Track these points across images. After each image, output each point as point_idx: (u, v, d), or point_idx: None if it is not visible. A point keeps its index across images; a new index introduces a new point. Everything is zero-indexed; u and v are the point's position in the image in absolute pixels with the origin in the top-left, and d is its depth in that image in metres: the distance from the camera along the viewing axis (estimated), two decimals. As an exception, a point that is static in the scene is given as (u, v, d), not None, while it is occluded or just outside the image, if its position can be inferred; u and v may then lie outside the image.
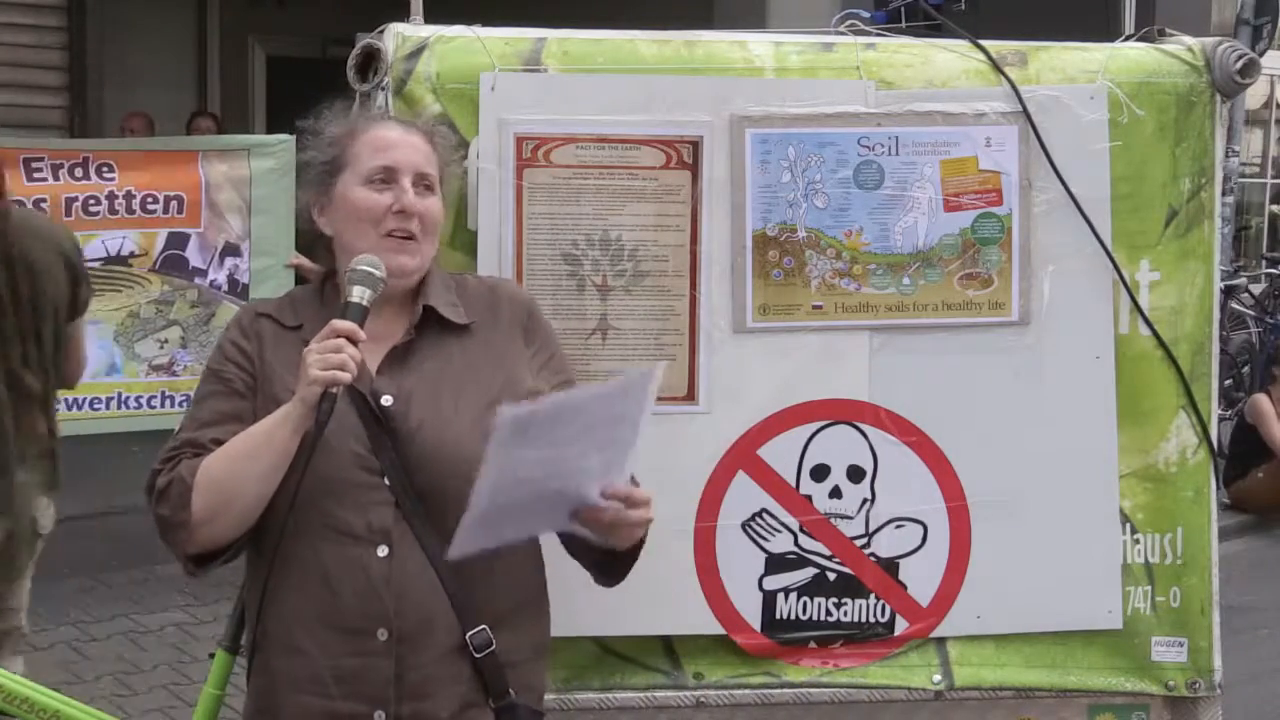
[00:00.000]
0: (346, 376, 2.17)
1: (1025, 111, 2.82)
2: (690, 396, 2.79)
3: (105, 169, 6.09)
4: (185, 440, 2.30)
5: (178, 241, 6.25)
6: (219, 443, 2.26)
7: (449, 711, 2.28)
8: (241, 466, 2.22)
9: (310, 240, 2.50)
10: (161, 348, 6.24)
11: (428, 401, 2.31)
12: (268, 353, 2.35)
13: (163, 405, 6.26)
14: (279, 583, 2.27)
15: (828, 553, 2.85)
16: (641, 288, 2.77)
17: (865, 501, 2.86)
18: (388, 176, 2.35)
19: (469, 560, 2.20)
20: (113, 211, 6.09)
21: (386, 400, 2.29)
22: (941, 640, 2.90)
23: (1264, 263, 13.97)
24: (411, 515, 2.26)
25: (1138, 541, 2.92)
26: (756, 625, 2.84)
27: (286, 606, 2.28)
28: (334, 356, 2.17)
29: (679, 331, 2.78)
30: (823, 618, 2.86)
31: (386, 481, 2.26)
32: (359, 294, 2.25)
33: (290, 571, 2.27)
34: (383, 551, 2.25)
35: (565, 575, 2.51)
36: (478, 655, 2.29)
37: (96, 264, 6.09)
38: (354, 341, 2.19)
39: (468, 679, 2.29)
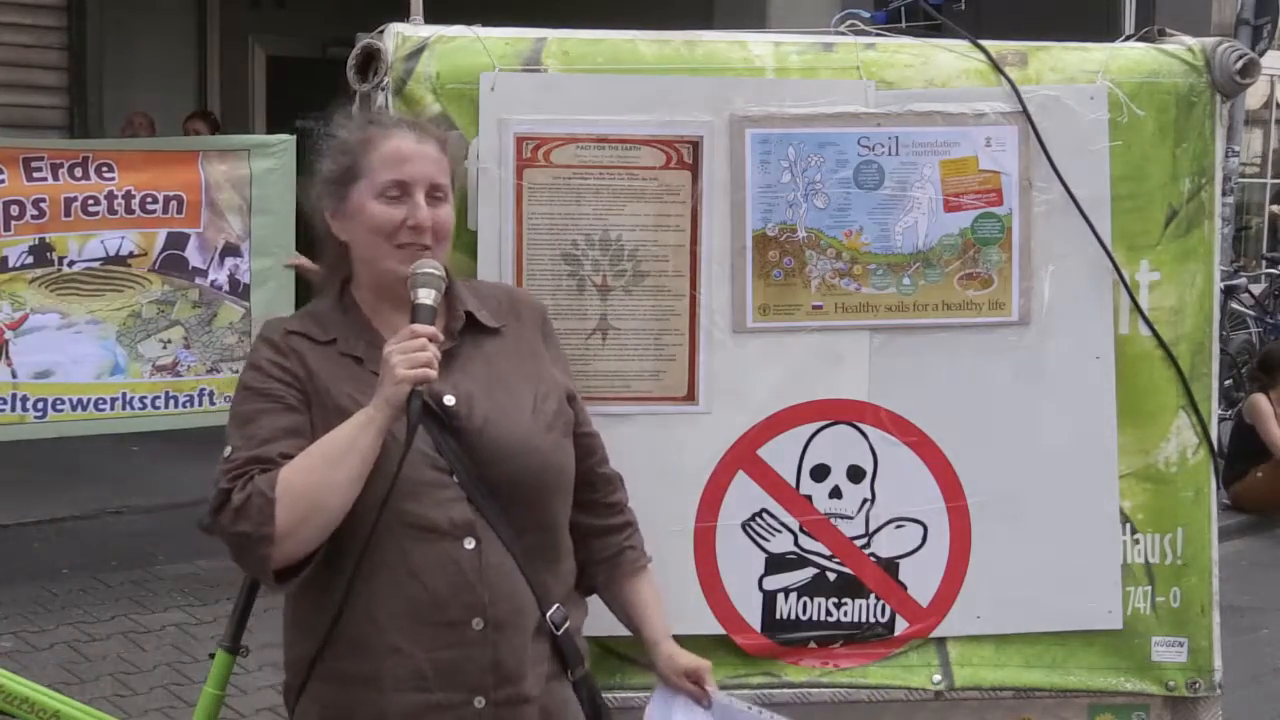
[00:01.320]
0: (434, 374, 2.23)
1: (1025, 111, 2.82)
2: (690, 397, 2.79)
3: (105, 169, 6.09)
4: (250, 457, 2.26)
5: (177, 241, 6.24)
6: (287, 457, 2.25)
7: (537, 690, 2.36)
8: (325, 474, 2.22)
9: (321, 243, 2.51)
10: (164, 348, 6.24)
11: (486, 399, 2.37)
12: (313, 367, 2.36)
13: (166, 406, 6.26)
14: (361, 587, 2.28)
15: (828, 553, 2.86)
16: (641, 288, 2.77)
17: (865, 501, 2.86)
18: (401, 191, 2.37)
19: (541, 546, 2.38)
20: (112, 211, 6.09)
21: (449, 400, 2.33)
22: (941, 640, 2.90)
23: (1264, 263, 13.96)
24: (485, 508, 2.32)
25: (1138, 542, 2.92)
26: (756, 625, 2.85)
27: (374, 609, 2.29)
28: (419, 355, 2.22)
29: (679, 331, 2.78)
30: (823, 618, 2.86)
31: (455, 478, 2.31)
32: (426, 295, 2.30)
33: (375, 573, 2.28)
34: (470, 544, 2.30)
35: (565, 575, 2.53)
36: (557, 631, 2.39)
37: (96, 264, 6.10)
38: (433, 341, 2.25)
39: (548, 656, 2.40)
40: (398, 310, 2.37)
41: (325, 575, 2.29)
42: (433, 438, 2.31)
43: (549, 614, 2.39)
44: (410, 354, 2.22)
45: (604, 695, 2.58)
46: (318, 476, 2.23)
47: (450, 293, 2.43)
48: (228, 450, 2.30)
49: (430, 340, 2.25)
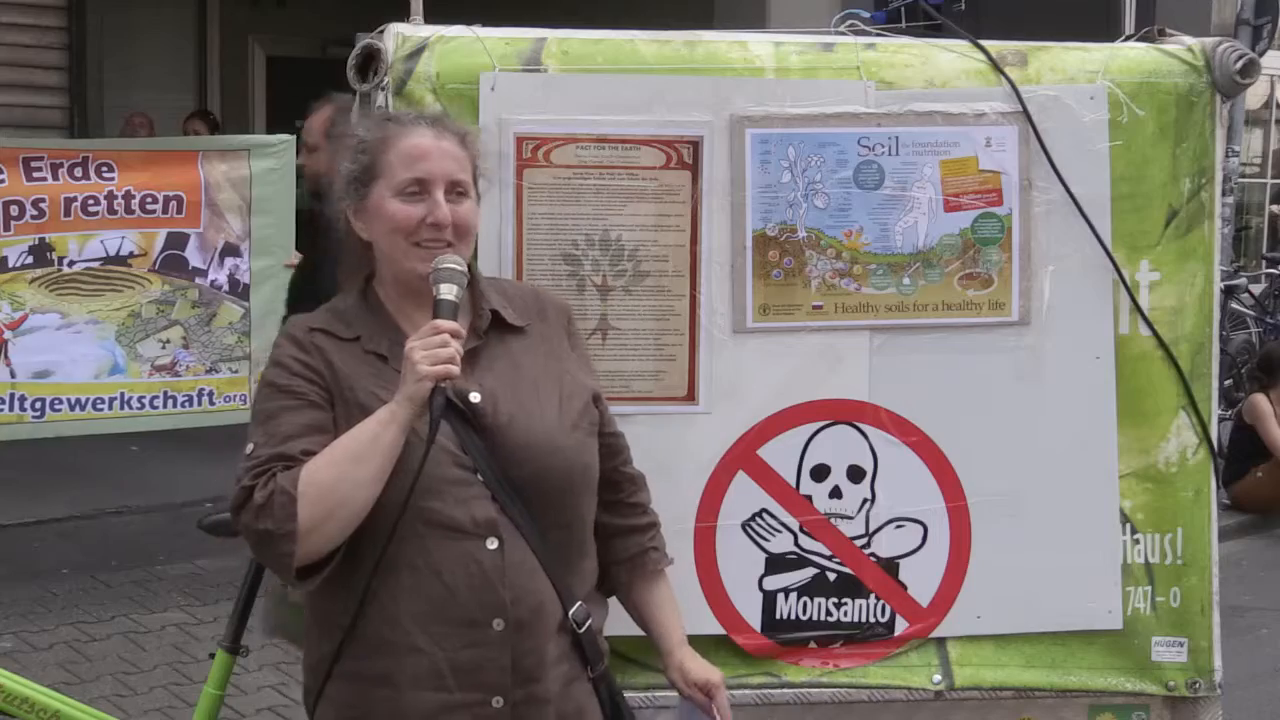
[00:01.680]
0: (456, 370, 2.22)
1: (1025, 112, 2.82)
2: (690, 397, 2.79)
3: (105, 169, 6.10)
4: (272, 455, 2.26)
5: (176, 241, 6.25)
6: (310, 454, 2.25)
7: (555, 690, 2.36)
8: (348, 471, 2.22)
9: (342, 241, 2.50)
10: (163, 348, 6.24)
11: (512, 397, 2.37)
12: (337, 364, 2.36)
13: (165, 405, 6.27)
14: (382, 585, 2.28)
15: (828, 553, 2.86)
16: (642, 288, 2.77)
17: (865, 501, 2.86)
18: (420, 188, 2.37)
19: (564, 545, 2.38)
20: (112, 211, 6.10)
21: (474, 398, 2.33)
22: (941, 640, 2.90)
23: (1264, 263, 13.96)
24: (509, 507, 2.31)
25: (1138, 541, 2.92)
26: (756, 625, 2.84)
27: (395, 607, 2.29)
28: (442, 351, 2.21)
29: (679, 331, 2.78)
30: (823, 618, 2.86)
31: (479, 476, 2.31)
32: (448, 290, 2.29)
33: (397, 572, 2.28)
34: (492, 544, 2.29)
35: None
36: (579, 630, 2.39)
37: (96, 264, 6.10)
38: (455, 337, 2.24)
39: (569, 655, 2.40)
40: (421, 308, 2.36)
41: (346, 573, 2.28)
42: (458, 435, 2.31)
43: (571, 612, 2.38)
44: (432, 350, 2.21)
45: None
46: (340, 473, 2.22)
47: (476, 291, 2.43)
48: (250, 447, 2.30)
49: (453, 336, 2.24)
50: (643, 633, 2.64)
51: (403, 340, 2.32)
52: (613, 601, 2.61)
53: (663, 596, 2.60)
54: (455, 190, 2.39)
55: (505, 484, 2.32)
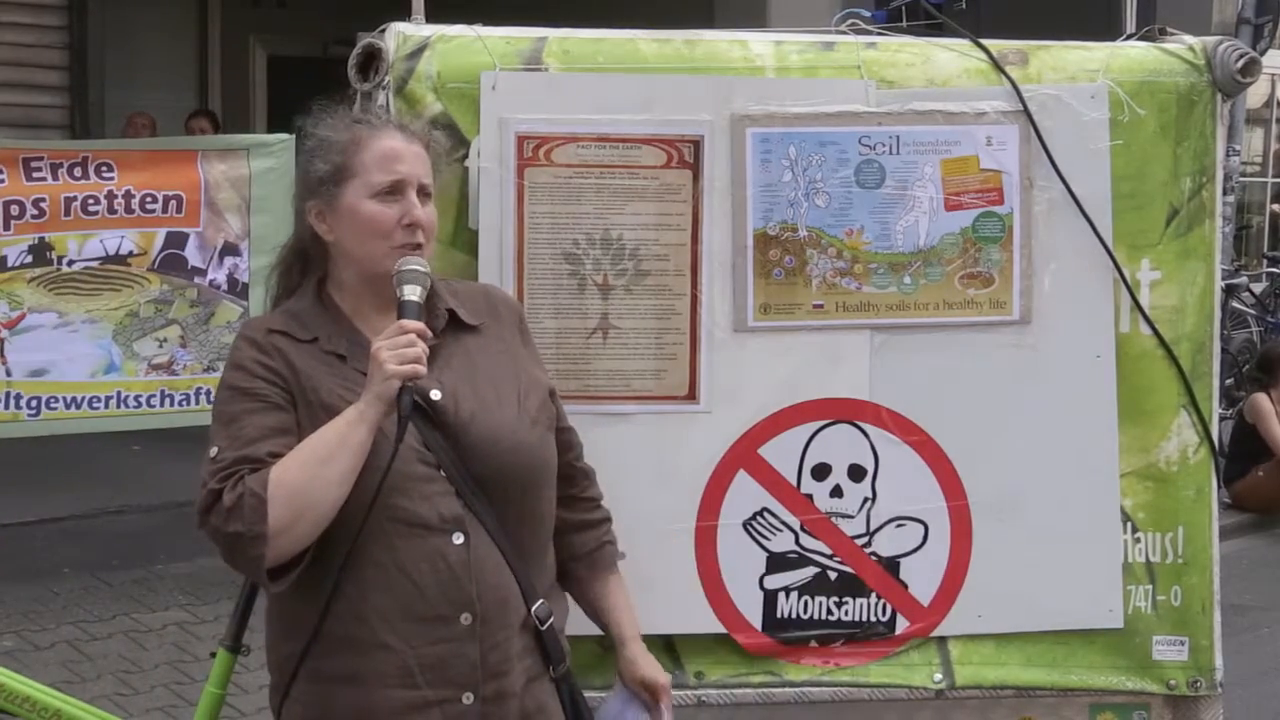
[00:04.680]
0: (423, 370, 2.24)
1: (1026, 110, 2.82)
2: (691, 396, 2.79)
3: (104, 169, 6.10)
4: (238, 457, 2.26)
5: (176, 241, 6.25)
6: (276, 456, 2.25)
7: (520, 685, 2.36)
8: (318, 472, 2.22)
9: (298, 240, 2.51)
10: (161, 346, 6.25)
11: (472, 395, 2.37)
12: (298, 366, 2.36)
13: (162, 404, 6.27)
14: (349, 583, 2.28)
15: (829, 552, 2.86)
16: (642, 287, 2.77)
17: (866, 500, 2.86)
18: (395, 189, 2.37)
19: (526, 541, 2.38)
20: (111, 211, 6.10)
21: (436, 395, 2.34)
22: (942, 639, 2.90)
23: (1265, 261, 13.96)
24: (474, 502, 2.32)
25: (1139, 540, 2.92)
26: (757, 624, 2.84)
27: (363, 605, 2.29)
28: (409, 351, 2.22)
29: (680, 330, 2.78)
30: (824, 617, 2.86)
31: (442, 473, 2.32)
32: (411, 291, 2.30)
33: (363, 570, 2.28)
34: (458, 539, 2.30)
35: (566, 575, 2.53)
36: (542, 627, 2.39)
37: (95, 263, 6.11)
38: (421, 338, 2.26)
39: (532, 652, 2.40)
40: (378, 310, 2.38)
41: (312, 572, 2.28)
42: (420, 433, 2.31)
43: (534, 609, 2.38)
44: (399, 350, 2.22)
45: (606, 695, 2.57)
46: (310, 474, 2.22)
47: (431, 291, 2.42)
48: (214, 450, 2.29)
49: (419, 336, 2.25)
50: (643, 632, 2.63)
51: (361, 340, 2.33)
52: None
53: (616, 589, 2.59)
54: (423, 193, 2.41)
55: (468, 480, 2.32)
